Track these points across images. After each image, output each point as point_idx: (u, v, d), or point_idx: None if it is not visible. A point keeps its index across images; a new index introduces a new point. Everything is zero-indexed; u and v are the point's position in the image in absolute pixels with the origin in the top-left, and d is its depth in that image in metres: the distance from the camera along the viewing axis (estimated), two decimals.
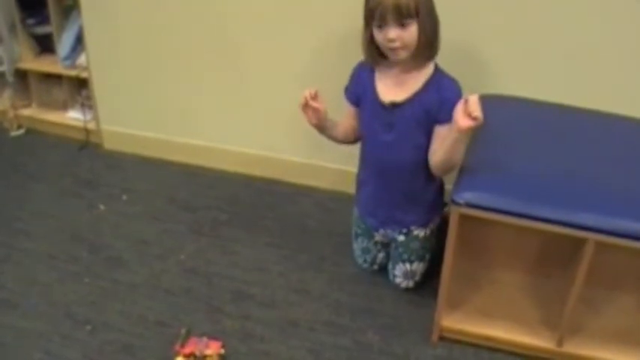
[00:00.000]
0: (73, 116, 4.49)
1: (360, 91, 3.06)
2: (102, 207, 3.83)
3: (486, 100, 3.25)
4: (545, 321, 2.98)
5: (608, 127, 3.14)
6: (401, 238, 3.18)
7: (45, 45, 4.46)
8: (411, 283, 3.24)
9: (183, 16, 3.79)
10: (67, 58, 4.29)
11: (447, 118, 2.76)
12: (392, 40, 2.78)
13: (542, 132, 3.07)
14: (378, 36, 2.82)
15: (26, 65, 4.47)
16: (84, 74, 4.23)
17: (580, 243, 2.61)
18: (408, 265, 3.20)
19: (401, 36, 2.76)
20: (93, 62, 4.13)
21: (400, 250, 3.20)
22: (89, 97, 4.33)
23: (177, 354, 2.78)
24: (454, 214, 2.67)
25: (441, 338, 3.00)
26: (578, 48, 3.21)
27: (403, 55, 2.83)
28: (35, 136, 4.54)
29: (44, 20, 4.33)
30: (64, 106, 4.53)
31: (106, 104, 4.27)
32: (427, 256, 3.22)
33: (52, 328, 3.05)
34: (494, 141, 2.97)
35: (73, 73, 4.29)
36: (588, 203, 2.61)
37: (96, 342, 2.99)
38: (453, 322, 2.98)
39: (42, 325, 3.06)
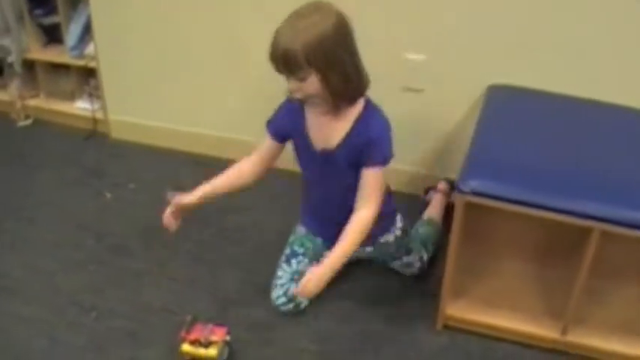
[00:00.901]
0: (81, 106, 4.49)
1: (288, 129, 2.96)
2: (108, 195, 3.85)
3: (495, 90, 3.28)
4: (550, 310, 2.98)
5: (614, 118, 3.14)
6: (369, 249, 3.16)
7: (52, 35, 4.47)
8: (415, 271, 3.26)
9: (191, 5, 3.79)
10: (74, 48, 4.29)
11: (371, 161, 2.75)
12: (293, 91, 2.71)
13: (548, 122, 3.08)
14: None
15: (34, 55, 4.47)
16: (92, 64, 4.24)
17: (585, 232, 2.62)
18: (398, 262, 3.23)
19: (300, 87, 2.66)
20: (101, 52, 4.14)
21: (380, 257, 3.23)
22: (97, 87, 4.34)
23: (182, 340, 2.78)
24: (459, 202, 2.68)
25: (445, 327, 3.01)
26: (587, 39, 3.21)
27: (315, 101, 2.76)
28: (43, 126, 4.55)
29: (52, 10, 4.33)
30: (72, 96, 4.54)
31: (114, 94, 4.28)
32: (415, 247, 3.23)
33: (58, 315, 3.07)
34: (501, 130, 2.98)
35: (81, 63, 4.30)
36: (594, 192, 2.62)
37: (101, 329, 3.01)
38: (458, 310, 3.00)
39: (48, 313, 3.08)
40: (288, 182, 3.88)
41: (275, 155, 3.03)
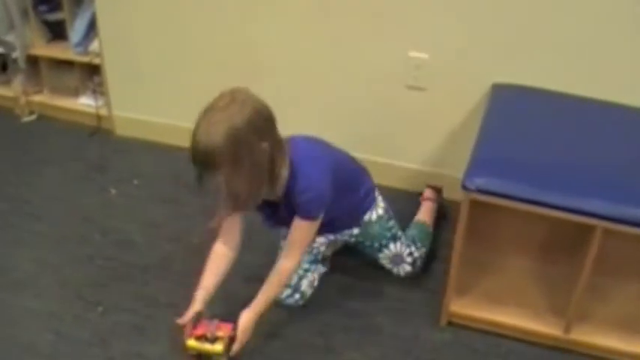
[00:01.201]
0: (85, 102, 4.52)
1: None
2: (113, 191, 3.87)
3: (499, 89, 3.30)
4: (553, 308, 3.00)
5: (618, 117, 3.17)
6: (356, 231, 3.17)
7: (57, 32, 4.49)
8: (408, 268, 3.23)
9: (195, 2, 3.81)
10: (79, 44, 4.31)
11: (300, 214, 2.78)
12: (219, 187, 2.64)
13: (552, 120, 3.10)
14: None
15: (38, 52, 4.49)
16: (96, 60, 4.26)
17: (588, 230, 2.64)
18: (386, 251, 3.20)
19: (221, 189, 2.63)
20: (105, 49, 4.16)
21: (367, 243, 3.21)
22: (101, 84, 4.36)
23: (188, 336, 2.80)
24: (465, 200, 2.70)
25: (449, 323, 3.03)
26: (590, 37, 3.24)
27: None
28: (46, 122, 4.57)
29: (56, 7, 4.35)
30: (76, 93, 4.56)
31: (118, 90, 4.29)
32: (403, 239, 3.22)
33: (64, 309, 3.09)
34: (505, 129, 3.00)
35: (85, 59, 4.32)
36: (597, 190, 2.64)
37: (107, 323, 3.03)
38: (461, 307, 3.02)
39: (53, 307, 3.10)
40: None
41: (242, 223, 2.98)
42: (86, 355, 2.89)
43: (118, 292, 3.19)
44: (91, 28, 4.24)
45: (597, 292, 3.04)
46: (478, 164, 2.75)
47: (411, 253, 3.21)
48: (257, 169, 2.59)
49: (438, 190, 3.63)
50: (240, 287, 3.18)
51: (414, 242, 3.26)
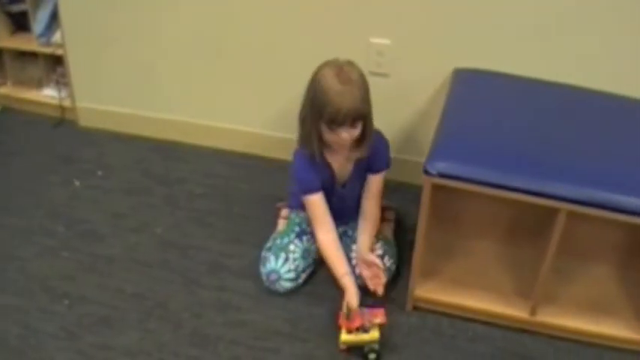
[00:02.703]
0: (49, 94, 4.48)
1: (320, 178, 3.07)
2: (77, 183, 3.84)
3: (460, 74, 3.30)
4: (519, 290, 3.02)
5: (581, 101, 3.17)
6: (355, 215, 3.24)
7: (20, 23, 4.44)
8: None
9: None
10: (42, 35, 4.27)
11: (378, 167, 3.10)
12: (345, 140, 2.88)
13: (514, 104, 3.10)
14: (328, 134, 2.89)
15: (1, 43, 4.44)
16: (59, 51, 4.23)
17: (552, 213, 2.65)
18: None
19: (352, 134, 2.86)
20: (68, 39, 4.12)
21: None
22: (64, 75, 4.32)
23: (343, 330, 2.80)
24: (427, 183, 2.70)
25: (415, 308, 3.04)
26: (551, 22, 3.24)
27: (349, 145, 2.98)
28: (10, 114, 4.53)
29: None
30: (39, 84, 4.52)
31: (81, 81, 4.26)
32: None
33: (30, 302, 3.07)
34: (468, 113, 3.00)
35: (48, 50, 4.28)
36: (561, 174, 2.64)
37: (74, 315, 3.01)
38: (427, 291, 3.02)
39: (20, 300, 3.08)
40: (257, 168, 3.91)
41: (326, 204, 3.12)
42: (54, 348, 2.87)
43: (84, 284, 3.17)
44: (54, 18, 4.21)
45: (562, 274, 3.06)
46: (439, 148, 2.75)
47: (382, 255, 3.14)
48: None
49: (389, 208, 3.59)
50: (203, 275, 3.21)
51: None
